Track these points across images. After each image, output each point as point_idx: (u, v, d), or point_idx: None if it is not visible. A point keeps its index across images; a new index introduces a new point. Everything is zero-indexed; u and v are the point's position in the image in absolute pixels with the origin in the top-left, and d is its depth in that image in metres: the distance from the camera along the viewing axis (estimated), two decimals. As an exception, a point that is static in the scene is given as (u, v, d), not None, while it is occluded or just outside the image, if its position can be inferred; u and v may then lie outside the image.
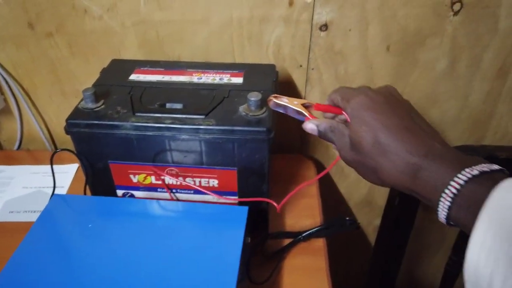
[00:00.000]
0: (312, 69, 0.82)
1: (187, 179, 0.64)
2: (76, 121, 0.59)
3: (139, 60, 0.77)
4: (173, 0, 0.75)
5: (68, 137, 0.61)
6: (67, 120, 0.60)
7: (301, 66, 0.81)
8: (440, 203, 0.35)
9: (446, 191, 0.35)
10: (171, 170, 0.63)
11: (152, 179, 0.64)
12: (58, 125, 0.94)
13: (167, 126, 0.58)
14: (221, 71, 0.71)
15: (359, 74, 0.82)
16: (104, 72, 0.72)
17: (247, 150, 0.60)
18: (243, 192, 0.64)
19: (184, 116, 0.60)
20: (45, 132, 0.94)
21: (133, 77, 0.69)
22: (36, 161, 0.91)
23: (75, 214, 0.61)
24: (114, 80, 0.69)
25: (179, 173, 0.63)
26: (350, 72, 0.82)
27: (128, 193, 0.67)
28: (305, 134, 0.56)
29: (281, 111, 0.53)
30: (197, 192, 0.65)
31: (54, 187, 0.66)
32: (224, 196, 0.64)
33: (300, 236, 0.69)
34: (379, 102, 0.43)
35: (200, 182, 0.64)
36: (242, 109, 0.60)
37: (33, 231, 0.58)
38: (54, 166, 0.66)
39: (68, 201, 0.63)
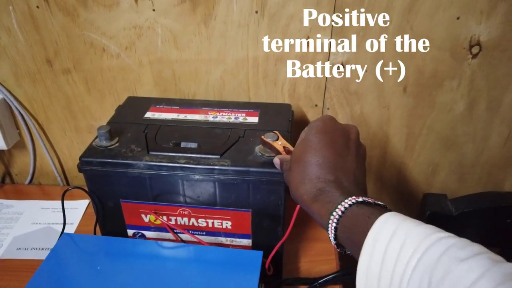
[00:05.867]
0: (328, 108, 0.81)
1: (200, 220, 0.62)
2: (90, 159, 0.59)
3: (155, 98, 0.77)
4: (190, 40, 0.75)
5: (80, 172, 0.60)
6: (80, 157, 0.59)
7: (316, 105, 0.81)
8: (329, 224, 0.40)
9: (334, 213, 0.40)
10: (184, 210, 0.62)
11: (164, 219, 0.63)
12: (70, 159, 0.94)
13: (181, 165, 0.57)
14: (236, 110, 0.71)
15: (375, 114, 0.81)
16: (119, 109, 0.72)
17: (262, 191, 0.58)
18: (257, 234, 0.62)
19: (198, 155, 0.59)
20: (57, 167, 0.94)
21: (149, 114, 0.69)
22: (47, 196, 0.90)
23: (84, 255, 0.59)
24: (129, 117, 0.69)
25: (192, 214, 0.62)
26: (365, 112, 0.81)
27: (138, 233, 0.65)
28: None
29: (267, 148, 0.57)
30: (209, 233, 0.63)
31: (64, 225, 0.65)
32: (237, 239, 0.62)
33: (316, 283, 0.66)
34: (328, 130, 0.46)
35: (213, 223, 0.62)
36: (257, 149, 0.59)
37: (40, 271, 0.56)
38: (64, 202, 0.64)
39: (77, 241, 0.61)
